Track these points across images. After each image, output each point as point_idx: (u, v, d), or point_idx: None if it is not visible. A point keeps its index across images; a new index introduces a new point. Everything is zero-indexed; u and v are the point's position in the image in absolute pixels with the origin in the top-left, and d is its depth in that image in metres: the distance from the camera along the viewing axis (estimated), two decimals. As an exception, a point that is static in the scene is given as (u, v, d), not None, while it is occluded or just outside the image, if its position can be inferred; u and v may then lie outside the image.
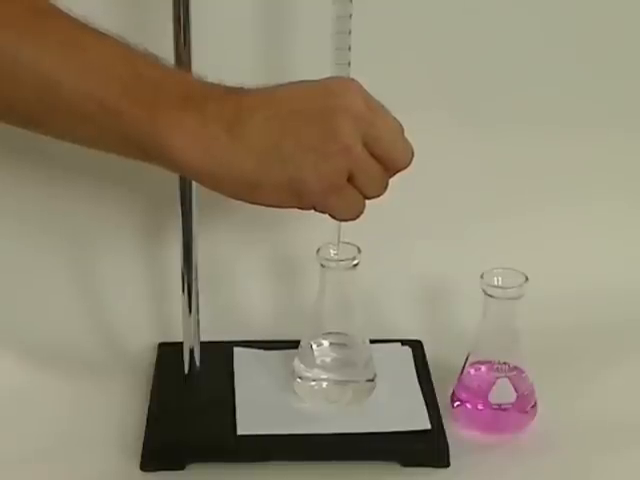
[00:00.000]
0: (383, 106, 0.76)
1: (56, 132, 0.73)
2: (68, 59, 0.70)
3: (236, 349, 0.99)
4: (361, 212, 0.76)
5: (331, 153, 0.72)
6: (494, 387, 0.91)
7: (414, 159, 0.77)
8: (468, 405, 0.92)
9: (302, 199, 0.74)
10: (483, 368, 0.92)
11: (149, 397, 0.94)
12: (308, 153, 0.72)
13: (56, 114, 0.71)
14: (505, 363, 0.91)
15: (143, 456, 0.88)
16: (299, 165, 0.72)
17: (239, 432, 0.89)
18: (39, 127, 0.73)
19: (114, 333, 1.05)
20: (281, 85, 0.75)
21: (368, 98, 0.75)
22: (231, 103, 0.72)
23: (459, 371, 0.93)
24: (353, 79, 0.76)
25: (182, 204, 0.90)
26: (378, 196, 0.76)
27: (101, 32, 0.72)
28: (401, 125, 0.76)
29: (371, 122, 0.74)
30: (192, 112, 0.71)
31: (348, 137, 0.72)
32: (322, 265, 0.90)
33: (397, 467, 0.88)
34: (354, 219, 0.76)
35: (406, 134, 0.76)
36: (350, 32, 0.80)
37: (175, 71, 0.79)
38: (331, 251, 0.89)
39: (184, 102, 0.71)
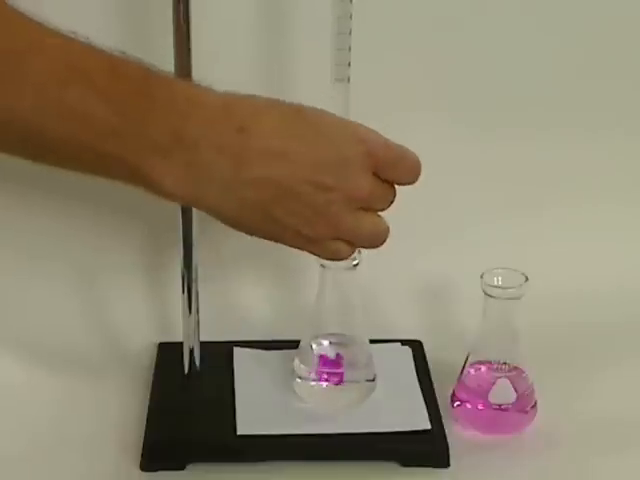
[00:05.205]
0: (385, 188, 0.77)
1: (46, 164, 0.71)
2: (45, 104, 0.66)
3: (236, 349, 0.99)
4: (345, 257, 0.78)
5: (318, 227, 0.74)
6: (494, 387, 0.91)
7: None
8: (468, 405, 0.92)
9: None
10: (483, 368, 0.92)
11: (149, 397, 0.94)
12: (294, 219, 0.73)
13: (42, 152, 0.69)
14: (505, 363, 0.91)
15: (143, 456, 0.88)
16: (283, 228, 0.73)
17: (239, 432, 0.89)
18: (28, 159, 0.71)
19: (114, 333, 1.05)
20: (290, 139, 0.72)
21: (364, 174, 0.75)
22: (230, 151, 0.70)
23: (459, 371, 0.93)
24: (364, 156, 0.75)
25: (182, 204, 0.90)
26: None
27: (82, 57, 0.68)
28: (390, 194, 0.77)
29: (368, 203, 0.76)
30: (180, 158, 0.69)
31: (339, 217, 0.74)
32: (322, 265, 0.90)
33: (397, 467, 0.88)
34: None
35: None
36: (350, 32, 0.80)
37: (167, 99, 0.70)
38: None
39: (173, 145, 0.68)
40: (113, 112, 0.67)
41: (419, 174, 0.77)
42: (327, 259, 0.80)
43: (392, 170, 0.76)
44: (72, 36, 0.68)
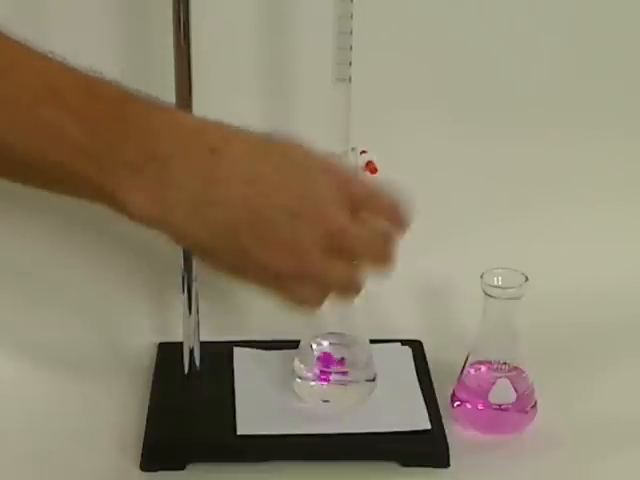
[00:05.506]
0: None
1: (14, 181, 0.70)
2: (15, 120, 0.66)
3: (236, 349, 0.99)
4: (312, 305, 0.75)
5: (283, 259, 0.70)
6: (494, 387, 0.91)
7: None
8: (468, 405, 0.92)
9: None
10: (483, 368, 0.92)
11: (149, 397, 0.94)
12: (260, 245, 0.70)
13: (10, 169, 0.68)
14: (505, 363, 0.91)
15: (143, 456, 0.88)
16: (247, 258, 0.70)
17: (239, 432, 0.89)
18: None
19: (114, 333, 1.05)
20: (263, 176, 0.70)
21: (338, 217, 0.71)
22: (202, 171, 0.68)
23: (459, 371, 0.93)
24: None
25: (182, 204, 0.90)
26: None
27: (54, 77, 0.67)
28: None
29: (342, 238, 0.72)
30: (150, 175, 0.67)
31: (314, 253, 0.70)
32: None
33: (397, 467, 0.88)
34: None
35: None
36: (351, 32, 0.80)
37: (142, 122, 0.68)
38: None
39: (143, 162, 0.67)
40: (84, 132, 0.66)
41: (404, 213, 0.74)
42: (292, 306, 0.75)
43: (368, 204, 0.73)
44: (50, 56, 0.67)
